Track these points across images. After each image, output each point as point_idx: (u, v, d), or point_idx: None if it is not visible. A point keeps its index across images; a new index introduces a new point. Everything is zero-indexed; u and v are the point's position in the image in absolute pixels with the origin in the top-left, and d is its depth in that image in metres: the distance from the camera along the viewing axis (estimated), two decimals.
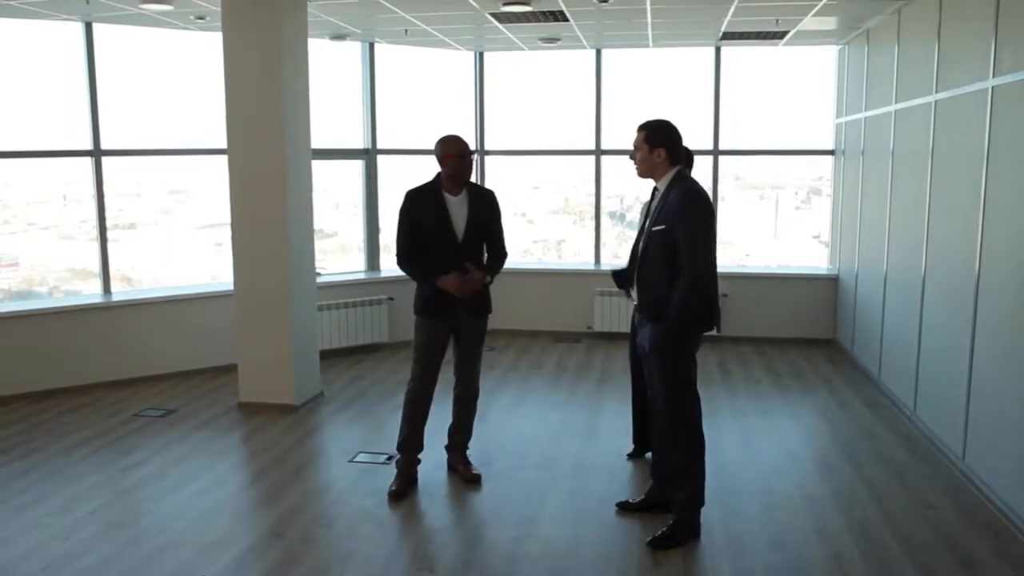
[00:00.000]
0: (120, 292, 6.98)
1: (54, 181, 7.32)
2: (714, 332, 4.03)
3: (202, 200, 7.90)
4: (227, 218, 6.00)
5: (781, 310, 8.09)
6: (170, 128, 7.12)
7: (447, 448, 4.85)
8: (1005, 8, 4.37)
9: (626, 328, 5.14)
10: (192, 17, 6.43)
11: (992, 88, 4.44)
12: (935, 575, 3.66)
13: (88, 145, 6.68)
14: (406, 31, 7.16)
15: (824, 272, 8.20)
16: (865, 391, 6.44)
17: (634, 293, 4.14)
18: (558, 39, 7.62)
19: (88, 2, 5.87)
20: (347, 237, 8.48)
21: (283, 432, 5.59)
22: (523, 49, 8.20)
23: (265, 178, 5.80)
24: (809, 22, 6.70)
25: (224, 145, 5.89)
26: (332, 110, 7.49)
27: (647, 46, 8.04)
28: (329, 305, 7.35)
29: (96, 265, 6.86)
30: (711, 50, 8.12)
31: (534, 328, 8.38)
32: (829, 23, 6.86)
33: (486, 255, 4.57)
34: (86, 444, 5.36)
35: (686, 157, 4.33)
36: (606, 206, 8.72)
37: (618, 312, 8.03)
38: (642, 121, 3.99)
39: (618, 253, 8.59)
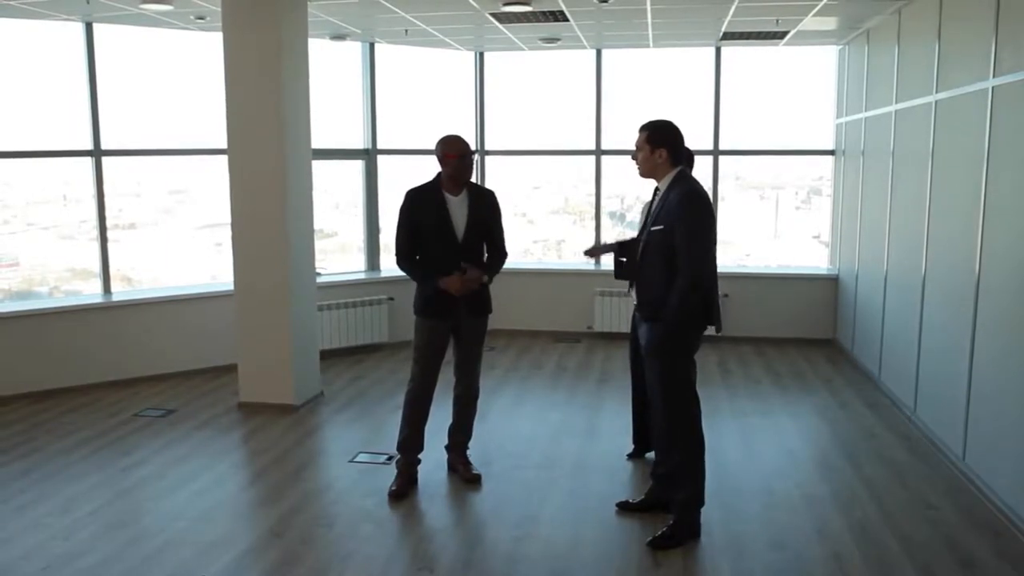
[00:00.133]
0: (120, 292, 6.98)
1: (54, 181, 7.33)
2: (715, 332, 4.02)
3: (202, 200, 7.90)
4: (227, 218, 6.00)
5: (781, 310, 8.09)
6: (170, 128, 7.12)
7: (447, 448, 4.85)
8: (1005, 8, 4.37)
9: (626, 328, 5.15)
10: (192, 17, 6.43)
11: (992, 88, 4.44)
12: (935, 575, 3.66)
13: (88, 145, 6.69)
14: (406, 31, 7.16)
15: (824, 272, 8.20)
16: (865, 391, 6.44)
17: (633, 292, 4.14)
18: (558, 39, 7.62)
19: (88, 2, 5.87)
20: (347, 237, 8.48)
21: (283, 432, 5.59)
22: (523, 49, 8.20)
23: (265, 178, 5.80)
24: (809, 22, 6.70)
25: (224, 145, 5.89)
26: (332, 110, 7.49)
27: (647, 46, 8.04)
28: (329, 305, 7.36)
29: (96, 265, 6.86)
30: (711, 50, 8.12)
31: (534, 328, 8.38)
32: (829, 23, 6.86)
33: (486, 255, 4.58)
34: (86, 444, 5.36)
35: (687, 158, 4.33)
36: (606, 206, 8.72)
37: (618, 312, 8.03)
38: (644, 121, 4.00)
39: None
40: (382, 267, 8.15)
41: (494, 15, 6.45)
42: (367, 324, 7.64)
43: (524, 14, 6.37)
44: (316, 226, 6.34)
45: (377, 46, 7.94)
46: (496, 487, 4.64)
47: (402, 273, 4.57)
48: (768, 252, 9.09)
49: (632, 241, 4.30)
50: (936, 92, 5.30)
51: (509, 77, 8.69)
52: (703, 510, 4.03)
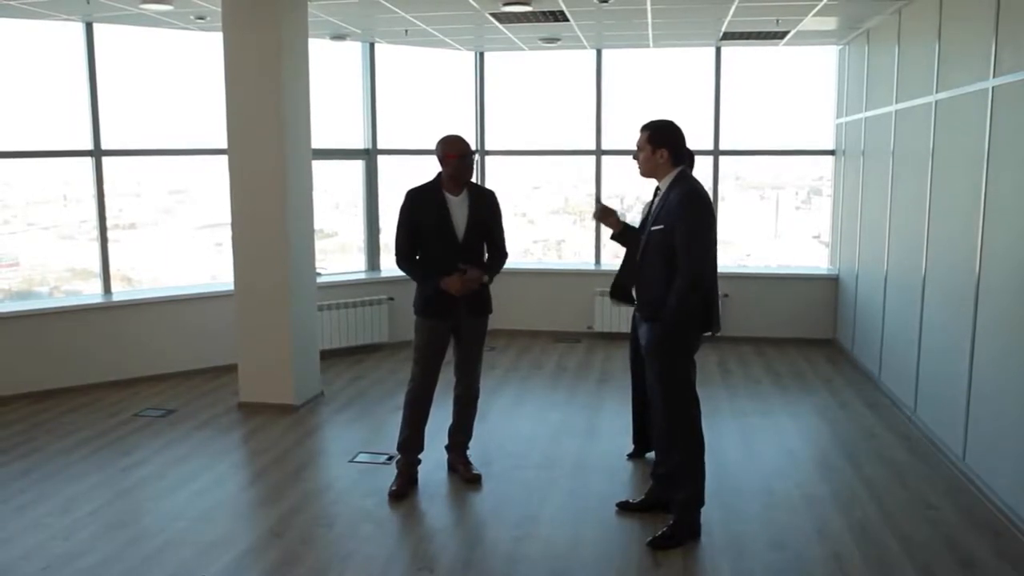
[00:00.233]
0: (120, 292, 6.98)
1: (54, 181, 7.33)
2: (712, 333, 4.02)
3: (202, 200, 7.90)
4: (227, 218, 6.00)
5: (781, 310, 8.09)
6: (170, 128, 7.12)
7: (447, 448, 4.84)
8: (1005, 8, 4.37)
9: (626, 328, 5.15)
10: (192, 17, 6.43)
11: (992, 88, 4.44)
12: (935, 575, 3.66)
13: (88, 145, 6.69)
14: (406, 31, 7.16)
15: (824, 272, 8.20)
16: (865, 391, 6.44)
17: (634, 292, 4.14)
18: (558, 39, 7.62)
19: (88, 2, 5.87)
20: (347, 237, 8.49)
21: (283, 432, 5.59)
22: (523, 49, 8.20)
23: (265, 178, 5.80)
24: (809, 22, 6.70)
25: (224, 145, 5.89)
26: (332, 110, 7.49)
27: (647, 46, 8.04)
28: (329, 305, 7.36)
29: (96, 265, 6.86)
30: (711, 50, 8.12)
31: (534, 328, 8.38)
32: (829, 23, 6.86)
33: (486, 255, 4.58)
34: (86, 444, 5.36)
35: (688, 158, 4.33)
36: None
37: (618, 312, 8.03)
38: (645, 121, 3.99)
39: (618, 253, 8.56)
40: (382, 267, 8.15)
41: (494, 15, 6.45)
42: (367, 324, 7.64)
43: (524, 14, 6.37)
44: (316, 226, 6.34)
45: (377, 46, 7.94)
46: (496, 487, 4.64)
47: (402, 273, 4.57)
48: (768, 252, 9.10)
49: (635, 231, 4.30)
50: (936, 92, 5.30)
51: (509, 77, 8.69)
52: (703, 510, 4.03)
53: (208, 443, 5.42)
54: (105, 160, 6.74)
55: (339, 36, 7.45)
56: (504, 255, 4.61)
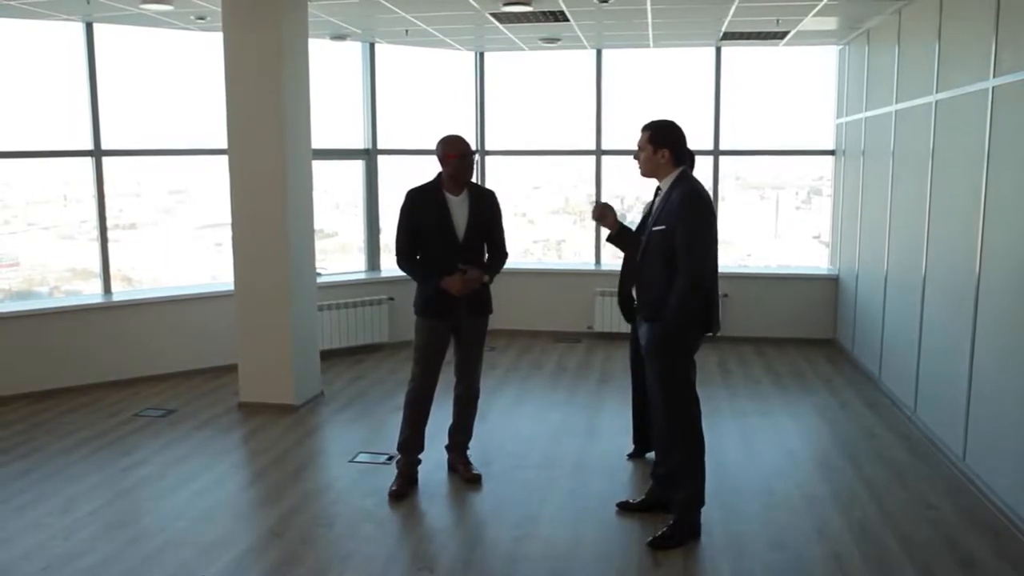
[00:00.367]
0: (120, 292, 6.98)
1: (54, 181, 7.33)
2: (712, 334, 4.02)
3: (202, 200, 7.90)
4: (227, 218, 6.00)
5: (781, 310, 8.09)
6: (170, 128, 7.12)
7: (447, 448, 4.84)
8: (1005, 8, 4.37)
9: (626, 328, 5.14)
10: (192, 17, 6.43)
11: (992, 88, 4.44)
12: (935, 575, 3.66)
13: (88, 145, 6.69)
14: (406, 31, 7.16)
15: (824, 272, 8.20)
16: (865, 391, 6.44)
17: (634, 293, 4.14)
18: (558, 39, 7.62)
19: (89, 2, 5.87)
20: (347, 237, 8.49)
21: (283, 432, 5.59)
22: (523, 49, 8.20)
23: (265, 178, 5.80)
24: (809, 22, 6.70)
25: (224, 145, 5.89)
26: (332, 110, 7.49)
27: (647, 46, 8.04)
28: (329, 305, 7.36)
29: (96, 265, 6.86)
30: (711, 50, 8.12)
31: (534, 328, 8.38)
32: (829, 23, 6.86)
33: (487, 255, 4.58)
34: (86, 444, 5.36)
35: (689, 158, 4.33)
36: None
37: (618, 312, 7.95)
38: (646, 121, 3.99)
39: (618, 253, 8.56)
40: (382, 267, 8.15)
41: (494, 15, 6.45)
42: (367, 324, 7.64)
43: (524, 14, 6.37)
44: (316, 226, 6.34)
45: (377, 46, 7.94)
46: (496, 487, 4.64)
47: (402, 273, 4.57)
48: (768, 252, 9.10)
49: (632, 233, 4.29)
50: (936, 92, 5.30)
51: (509, 77, 8.69)
52: (703, 510, 4.03)
53: (208, 443, 5.42)
54: (105, 160, 6.74)
55: (339, 36, 7.45)
56: (504, 255, 4.61)
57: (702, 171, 6.48)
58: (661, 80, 8.50)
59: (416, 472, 4.67)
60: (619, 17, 6.62)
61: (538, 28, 7.04)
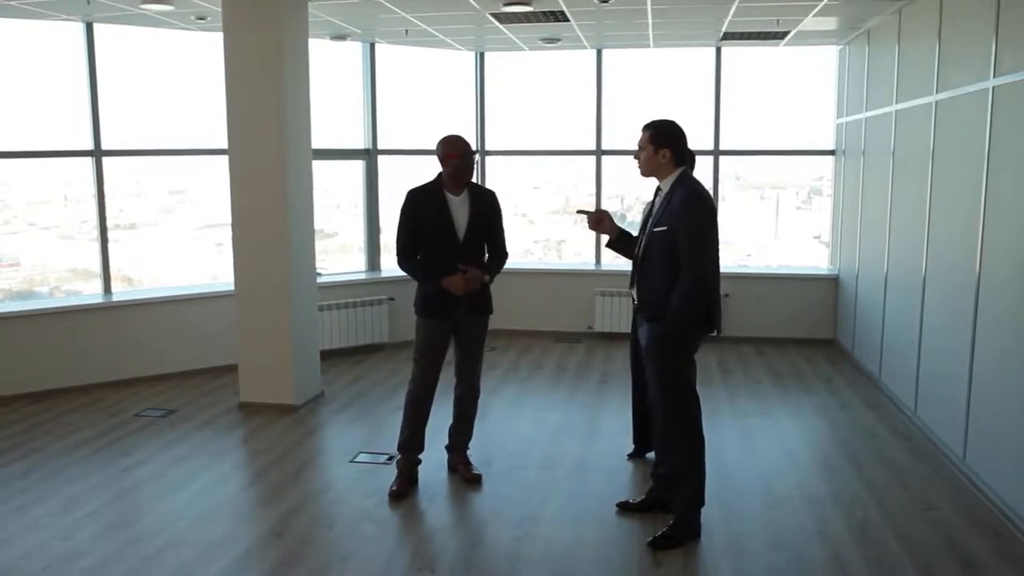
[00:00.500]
0: (121, 292, 6.98)
1: (55, 181, 7.33)
2: (714, 334, 4.02)
3: (203, 200, 7.90)
4: (228, 218, 6.00)
5: (782, 310, 8.09)
6: (171, 128, 7.12)
7: (447, 448, 4.84)
8: (1005, 8, 4.37)
9: (626, 328, 5.14)
10: (193, 17, 6.43)
11: (992, 88, 4.44)
12: (935, 575, 3.66)
13: (89, 145, 6.69)
14: (407, 31, 7.16)
15: (825, 272, 8.20)
16: (866, 391, 6.44)
17: (634, 292, 4.14)
18: (559, 39, 7.62)
19: (89, 2, 5.87)
20: (347, 237, 8.49)
21: (283, 432, 5.59)
22: (524, 49, 8.20)
23: (265, 178, 5.81)
24: (810, 22, 6.70)
25: (225, 145, 5.89)
26: (333, 110, 7.50)
27: (648, 46, 8.04)
28: (330, 305, 7.36)
29: (97, 265, 6.86)
30: (712, 50, 8.12)
31: (535, 328, 8.38)
32: (830, 23, 6.86)
33: (487, 255, 4.58)
34: (86, 444, 5.36)
35: (689, 158, 4.33)
36: (607, 206, 8.72)
37: (618, 312, 8.04)
38: (647, 121, 3.99)
39: (618, 253, 8.57)
40: (382, 267, 8.15)
41: (494, 15, 6.45)
42: (367, 324, 7.64)
43: (524, 14, 6.37)
44: (316, 226, 6.34)
45: (377, 46, 7.94)
46: (496, 487, 4.64)
47: (403, 273, 4.57)
48: (769, 252, 9.10)
49: (631, 237, 4.29)
50: (936, 92, 5.30)
51: (509, 77, 8.69)
52: (703, 510, 4.02)
53: (208, 443, 5.42)
54: (105, 160, 6.74)
55: (339, 36, 7.45)
56: (505, 255, 4.61)
57: (702, 171, 6.49)
58: (661, 80, 8.51)
59: (416, 472, 4.67)
60: (619, 17, 6.62)
61: (538, 28, 7.04)
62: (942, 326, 5.18)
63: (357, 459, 5.08)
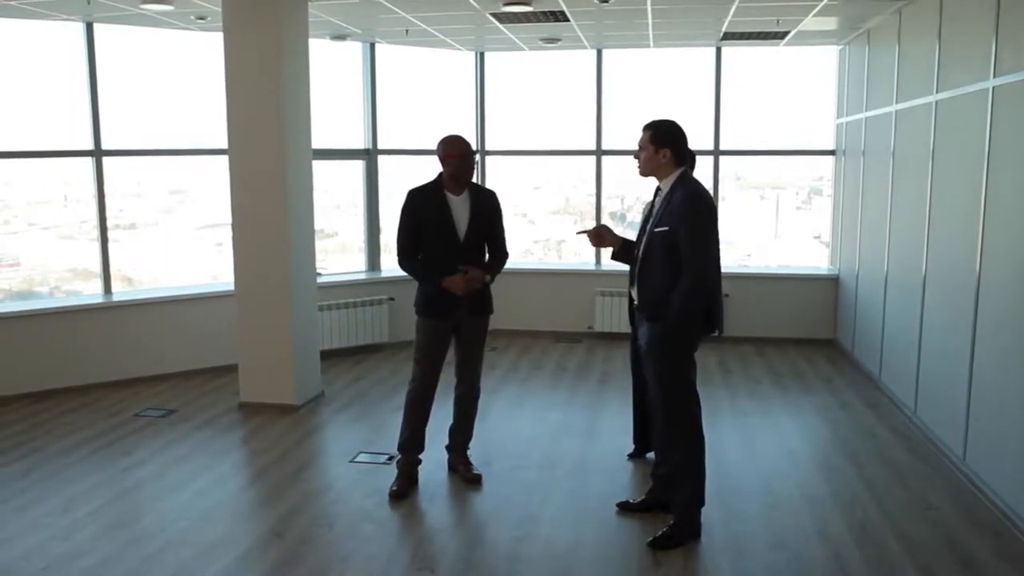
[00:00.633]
0: (121, 292, 6.98)
1: (55, 181, 7.33)
2: (716, 334, 4.02)
3: (203, 200, 7.90)
4: (228, 218, 6.00)
5: (782, 310, 8.09)
6: (171, 128, 7.12)
7: (448, 448, 4.84)
8: (1005, 8, 4.37)
9: (627, 328, 5.14)
10: (193, 17, 6.43)
11: (993, 88, 4.44)
12: (935, 575, 3.66)
13: (89, 145, 6.69)
14: (407, 31, 7.16)
15: (825, 272, 8.20)
16: (866, 391, 6.44)
17: (634, 292, 4.14)
18: (559, 39, 7.62)
19: (89, 2, 5.87)
20: (348, 237, 8.49)
21: (283, 432, 5.59)
22: (524, 49, 8.20)
23: (266, 178, 5.81)
24: (810, 22, 6.70)
25: (225, 145, 5.89)
26: (333, 110, 7.50)
27: (648, 46, 8.04)
28: (330, 305, 7.36)
29: (97, 265, 6.86)
30: (712, 50, 8.12)
31: (535, 328, 8.38)
32: (830, 23, 6.86)
33: (487, 255, 4.58)
34: (86, 444, 5.36)
35: (689, 158, 4.33)
36: (607, 206, 8.73)
37: (619, 312, 8.03)
38: (648, 120, 3.99)
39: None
40: (383, 267, 8.15)
41: (494, 15, 6.45)
42: (368, 324, 7.64)
43: (524, 14, 6.37)
44: (316, 226, 6.34)
45: (377, 46, 7.94)
46: (496, 487, 4.64)
47: (403, 273, 4.57)
48: (769, 252, 9.10)
49: (633, 245, 4.29)
50: (936, 92, 5.30)
51: (509, 77, 8.69)
52: (703, 510, 4.02)
53: (208, 443, 5.42)
54: (105, 160, 6.74)
55: (339, 36, 7.45)
56: (505, 255, 4.62)
57: (702, 171, 6.49)
58: (661, 80, 8.51)
59: (416, 472, 4.67)
60: (619, 17, 6.62)
61: (538, 28, 7.04)
62: (942, 326, 5.18)
63: (357, 459, 5.08)
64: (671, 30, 7.21)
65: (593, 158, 8.47)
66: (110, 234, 6.85)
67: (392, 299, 7.70)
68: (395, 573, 3.70)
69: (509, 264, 4.70)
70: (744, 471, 4.85)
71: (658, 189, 4.04)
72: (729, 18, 6.59)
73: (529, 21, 6.67)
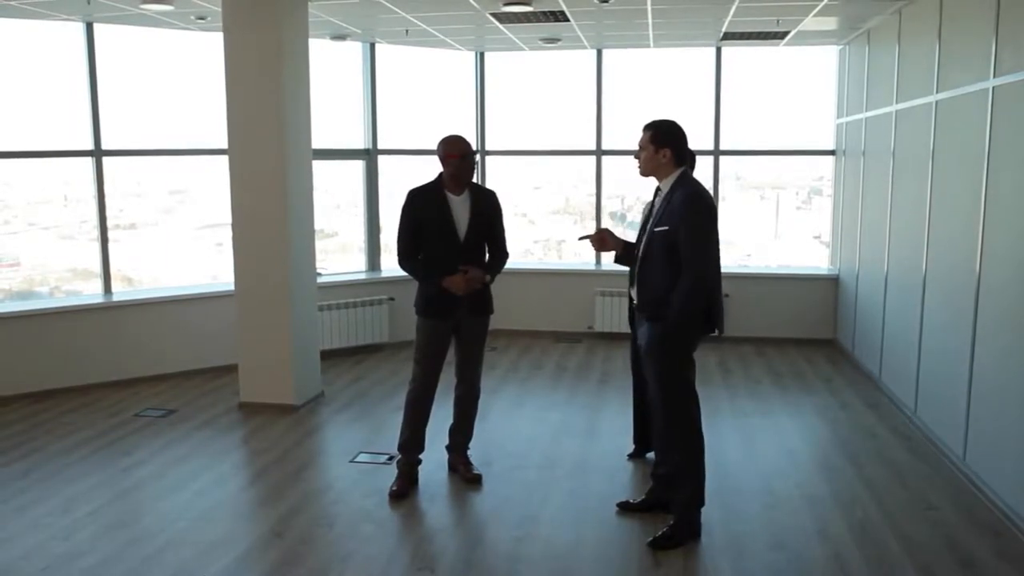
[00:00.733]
0: (121, 292, 6.98)
1: (55, 181, 7.33)
2: (716, 334, 4.02)
3: (203, 200, 7.90)
4: (228, 218, 6.00)
5: (782, 310, 8.09)
6: (171, 128, 7.12)
7: (448, 448, 4.84)
8: (1005, 8, 4.37)
9: (627, 328, 5.14)
10: (193, 17, 6.43)
11: (993, 88, 4.44)
12: (935, 575, 3.66)
13: (89, 145, 6.69)
14: (407, 31, 7.16)
15: (825, 272, 8.20)
16: (866, 391, 6.44)
17: (634, 292, 4.14)
18: (559, 39, 7.62)
19: (89, 2, 5.87)
20: (348, 237, 8.49)
21: (283, 432, 5.59)
22: (524, 49, 8.20)
23: (266, 178, 5.81)
24: (810, 22, 6.70)
25: (225, 145, 5.89)
26: (333, 110, 7.50)
27: (648, 46, 8.04)
28: (330, 305, 7.36)
29: (97, 265, 6.86)
30: (712, 50, 8.12)
31: (535, 328, 8.38)
32: (830, 23, 6.86)
33: (488, 255, 4.58)
34: (86, 444, 5.36)
35: (690, 158, 4.33)
36: (607, 206, 8.73)
37: (619, 312, 8.03)
38: (648, 120, 3.99)
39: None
40: (383, 267, 8.16)
41: (494, 15, 6.45)
42: (368, 324, 7.64)
43: (524, 14, 6.37)
44: (317, 226, 6.34)
45: (377, 46, 7.94)
46: (496, 487, 4.64)
47: (403, 273, 4.58)
48: (769, 252, 9.10)
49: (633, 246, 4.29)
50: (936, 92, 5.30)
51: (509, 77, 8.69)
52: (703, 510, 4.02)
53: (208, 443, 5.42)
54: (105, 160, 6.74)
55: (339, 36, 7.45)
56: (505, 255, 4.62)
57: (702, 171, 6.50)
58: (661, 80, 8.51)
59: (416, 472, 4.67)
60: (619, 17, 6.62)
61: (538, 28, 7.04)
62: (942, 326, 5.18)
63: (357, 459, 5.08)
64: (671, 30, 7.21)
65: (593, 158, 8.47)
66: (110, 234, 6.85)
67: (392, 299, 7.70)
68: (395, 573, 3.70)
69: (509, 264, 4.70)
70: (744, 471, 4.85)
71: (658, 189, 4.04)
72: (729, 18, 6.59)
73: (529, 21, 6.67)
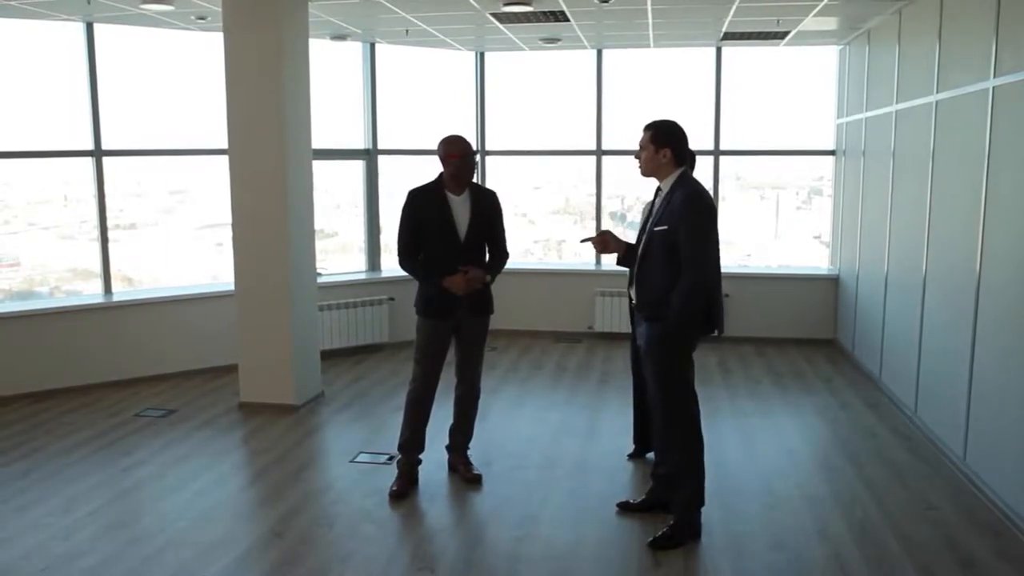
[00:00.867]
0: (121, 292, 6.98)
1: (55, 181, 7.33)
2: (716, 334, 4.02)
3: (203, 200, 7.90)
4: (228, 218, 6.00)
5: (782, 310, 8.09)
6: (171, 128, 7.12)
7: (448, 448, 4.84)
8: (1005, 8, 4.37)
9: (627, 328, 5.14)
10: (193, 17, 6.43)
11: (993, 88, 4.44)
12: (935, 575, 3.66)
13: (89, 145, 6.69)
14: (407, 31, 7.16)
15: (825, 272, 8.20)
16: (866, 391, 6.44)
17: (633, 292, 4.14)
18: (559, 39, 7.62)
19: (89, 2, 5.87)
20: (348, 237, 8.49)
21: (283, 432, 5.59)
22: (524, 49, 8.20)
23: (266, 178, 5.81)
24: (810, 22, 6.70)
25: (225, 145, 5.89)
26: (333, 110, 7.50)
27: (648, 46, 8.04)
28: (330, 305, 7.36)
29: (97, 265, 6.86)
30: (712, 50, 8.12)
31: (535, 328, 8.38)
32: (830, 23, 6.86)
33: (488, 255, 4.58)
34: (86, 444, 5.36)
35: (690, 158, 4.33)
36: (607, 206, 8.73)
37: (619, 312, 8.03)
38: (649, 120, 3.99)
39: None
40: (383, 267, 8.16)
41: (495, 15, 6.45)
42: (368, 324, 7.64)
43: (524, 14, 6.37)
44: (317, 226, 6.34)
45: (378, 46, 7.94)
46: (497, 487, 4.64)
47: (403, 273, 4.58)
48: (769, 252, 9.10)
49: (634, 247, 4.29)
50: (936, 92, 5.30)
51: (510, 77, 8.69)
52: (703, 510, 4.02)
53: (208, 443, 5.42)
54: (105, 160, 6.74)
55: (339, 36, 7.45)
56: (505, 255, 4.62)
57: (702, 171, 6.50)
58: (661, 80, 8.50)
59: (416, 472, 4.67)
60: (619, 17, 6.62)
61: (538, 28, 7.04)
62: (942, 326, 5.18)
63: (357, 459, 5.08)
64: (671, 30, 7.22)
65: (593, 158, 8.47)
66: (110, 234, 6.85)
67: (392, 299, 7.70)
68: (395, 573, 3.70)
69: (509, 264, 4.70)
70: (744, 471, 4.85)
71: (658, 189, 4.04)
72: (729, 18, 6.59)
73: (529, 21, 6.67)
